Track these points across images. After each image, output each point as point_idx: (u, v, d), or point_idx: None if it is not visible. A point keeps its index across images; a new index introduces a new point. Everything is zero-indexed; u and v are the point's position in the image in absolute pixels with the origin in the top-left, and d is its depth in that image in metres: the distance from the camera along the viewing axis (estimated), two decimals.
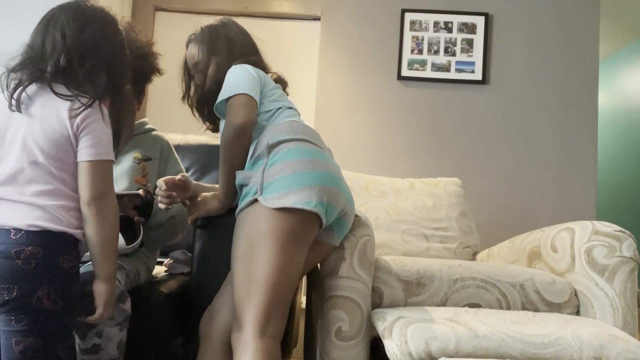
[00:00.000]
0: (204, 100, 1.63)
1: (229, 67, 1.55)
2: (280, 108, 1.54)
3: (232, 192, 1.48)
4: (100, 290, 1.23)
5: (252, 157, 1.43)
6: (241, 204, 1.37)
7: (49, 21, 1.26)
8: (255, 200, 1.32)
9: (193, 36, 1.69)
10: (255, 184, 1.34)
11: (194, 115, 1.71)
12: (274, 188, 1.30)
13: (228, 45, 1.63)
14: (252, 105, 1.45)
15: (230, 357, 1.33)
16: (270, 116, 1.52)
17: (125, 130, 1.37)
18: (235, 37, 1.66)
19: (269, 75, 1.65)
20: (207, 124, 1.69)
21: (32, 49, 1.25)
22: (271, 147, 1.38)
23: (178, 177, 1.55)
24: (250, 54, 1.66)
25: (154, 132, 1.82)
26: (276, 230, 1.28)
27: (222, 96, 1.47)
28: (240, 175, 1.41)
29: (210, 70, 1.61)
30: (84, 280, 1.25)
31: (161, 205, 1.53)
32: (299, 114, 1.60)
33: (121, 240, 1.51)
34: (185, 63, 1.71)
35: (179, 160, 1.86)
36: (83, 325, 1.30)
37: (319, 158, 1.37)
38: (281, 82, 1.70)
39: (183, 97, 1.71)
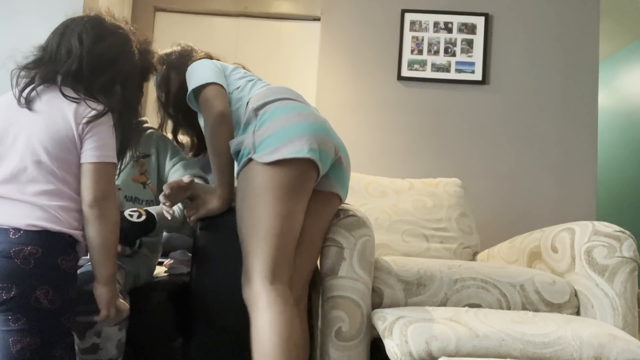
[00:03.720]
0: (175, 107, 1.73)
1: (185, 69, 1.64)
2: (251, 80, 1.62)
3: (229, 183, 1.51)
4: (100, 293, 1.24)
5: (241, 126, 1.49)
6: (238, 167, 1.43)
7: (68, 26, 1.28)
8: (250, 160, 1.38)
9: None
10: (248, 145, 1.40)
11: (176, 140, 1.84)
12: (265, 145, 1.36)
13: (180, 54, 1.80)
14: (223, 93, 1.53)
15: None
16: (242, 89, 1.59)
17: (131, 147, 1.41)
18: (183, 49, 1.83)
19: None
20: (190, 140, 1.83)
21: (47, 50, 1.27)
22: (257, 110, 1.44)
23: (185, 179, 1.54)
24: (196, 53, 1.80)
25: (148, 130, 1.80)
26: (273, 183, 1.34)
27: (190, 86, 1.54)
28: (233, 143, 1.46)
29: (172, 77, 1.73)
30: (83, 280, 1.25)
31: (165, 211, 1.52)
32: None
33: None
34: (157, 99, 1.82)
35: (179, 149, 1.84)
36: (82, 324, 1.31)
37: (303, 111, 1.44)
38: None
39: (159, 127, 1.80)
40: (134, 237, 1.56)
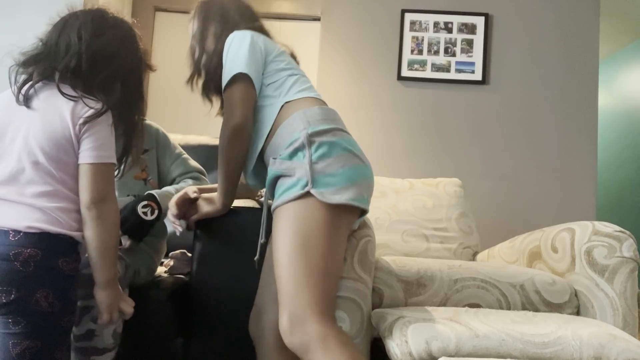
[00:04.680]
0: (207, 74, 1.57)
1: (226, 35, 1.49)
2: (292, 75, 1.47)
3: (232, 192, 1.47)
4: (100, 297, 1.22)
5: (289, 145, 1.33)
6: (285, 196, 1.28)
7: (67, 21, 1.24)
8: (307, 194, 1.26)
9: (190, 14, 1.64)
10: (302, 176, 1.27)
11: (204, 99, 1.66)
12: (327, 182, 1.27)
13: (222, 12, 1.57)
14: (251, 96, 1.41)
15: (286, 354, 1.32)
16: (280, 85, 1.45)
17: (134, 150, 1.37)
18: (228, 3, 1.59)
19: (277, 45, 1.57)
20: (217, 102, 1.65)
21: (46, 45, 1.23)
22: (312, 137, 1.30)
23: (191, 194, 1.52)
24: (248, 19, 1.58)
25: (146, 122, 1.77)
26: (332, 224, 1.27)
27: (224, 78, 1.43)
28: (281, 165, 1.32)
29: (208, 42, 1.56)
30: (81, 264, 1.23)
31: (175, 229, 1.52)
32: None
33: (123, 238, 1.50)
34: (190, 48, 1.64)
35: (177, 144, 1.84)
36: (78, 308, 1.28)
37: (358, 151, 1.36)
38: (292, 56, 1.61)
39: (188, 80, 1.63)
40: (144, 234, 1.57)
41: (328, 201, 1.25)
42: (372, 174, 1.38)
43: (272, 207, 1.32)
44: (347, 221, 1.31)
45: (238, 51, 1.42)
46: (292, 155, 1.31)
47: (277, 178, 1.33)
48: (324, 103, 1.43)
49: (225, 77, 1.41)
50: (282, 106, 1.40)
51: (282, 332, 1.21)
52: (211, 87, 1.58)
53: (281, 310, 1.22)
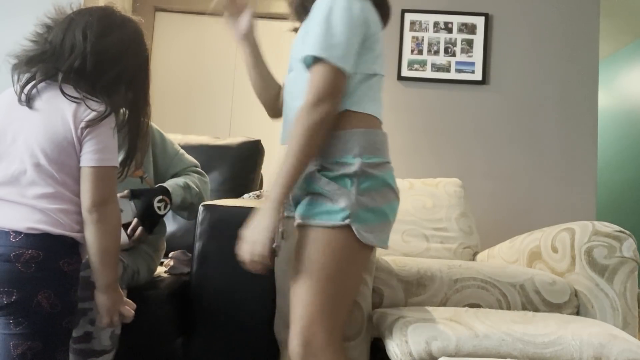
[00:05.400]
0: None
1: None
2: (373, 75, 1.30)
3: (289, 188, 1.22)
4: (100, 301, 1.21)
5: (338, 165, 1.23)
6: (322, 220, 1.22)
7: (73, 19, 1.22)
8: (346, 226, 1.20)
9: None
10: (346, 207, 1.20)
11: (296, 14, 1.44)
12: (366, 218, 1.22)
13: None
14: (343, 86, 1.23)
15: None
16: (358, 84, 1.28)
17: (139, 153, 1.35)
18: None
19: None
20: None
21: (51, 44, 1.20)
22: (364, 168, 1.22)
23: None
24: None
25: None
26: (361, 260, 1.27)
27: (313, 49, 1.21)
28: (326, 185, 1.22)
29: None
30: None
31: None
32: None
33: (123, 237, 1.50)
34: None
35: (172, 140, 1.84)
36: (75, 315, 1.26)
37: (395, 184, 1.31)
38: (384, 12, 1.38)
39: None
40: (155, 226, 1.59)
41: (362, 240, 1.22)
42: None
43: (300, 220, 1.25)
44: (368, 256, 1.31)
45: (342, 29, 1.22)
46: (340, 179, 1.23)
47: (316, 194, 1.24)
48: (381, 122, 1.32)
49: (321, 51, 1.21)
50: (346, 111, 1.26)
51: (292, 353, 1.21)
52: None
53: (295, 332, 1.21)
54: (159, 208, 1.54)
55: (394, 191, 1.29)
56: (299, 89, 1.27)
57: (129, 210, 1.52)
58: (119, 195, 1.50)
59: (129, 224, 1.53)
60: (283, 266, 1.41)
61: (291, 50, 1.40)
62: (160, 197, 1.56)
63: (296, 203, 1.30)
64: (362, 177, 1.22)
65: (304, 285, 1.22)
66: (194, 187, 1.71)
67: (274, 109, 1.54)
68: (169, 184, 1.64)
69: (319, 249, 1.22)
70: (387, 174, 1.28)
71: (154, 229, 1.59)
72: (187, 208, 1.72)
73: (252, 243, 1.17)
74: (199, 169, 1.84)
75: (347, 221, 1.20)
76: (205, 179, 1.81)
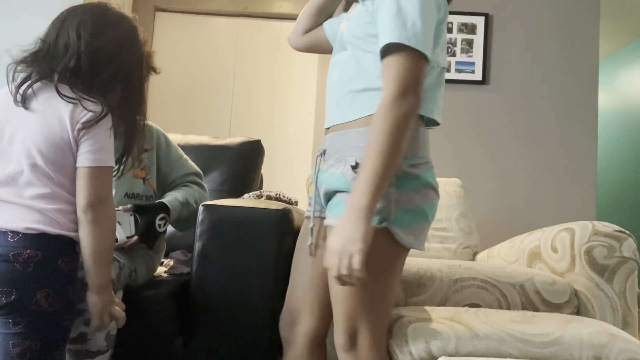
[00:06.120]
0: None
1: None
2: (434, 68, 1.21)
3: (378, 193, 1.09)
4: (92, 301, 1.21)
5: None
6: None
7: (67, 17, 1.21)
8: (384, 228, 1.14)
9: None
10: (382, 207, 1.12)
11: None
12: (404, 219, 1.15)
13: None
14: (424, 75, 1.14)
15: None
16: (427, 80, 1.19)
17: (135, 151, 1.34)
18: None
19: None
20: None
21: (45, 43, 1.20)
22: (406, 168, 1.15)
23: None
24: None
25: (147, 123, 1.79)
26: (399, 262, 1.24)
27: (391, 36, 1.10)
28: (368, 186, 1.07)
29: None
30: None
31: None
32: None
33: (121, 235, 1.50)
34: None
35: (176, 145, 1.84)
36: (74, 314, 1.26)
37: (436, 183, 1.23)
38: None
39: None
40: (155, 242, 1.60)
41: (401, 242, 1.16)
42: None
43: (329, 220, 1.19)
44: (405, 257, 1.27)
45: (423, 17, 1.11)
46: None
47: (341, 191, 1.18)
48: (422, 121, 1.23)
49: (405, 38, 1.09)
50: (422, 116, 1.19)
51: (338, 346, 1.21)
52: None
53: (340, 328, 1.20)
54: (159, 226, 1.56)
55: (434, 190, 1.22)
56: (353, 71, 1.21)
57: (127, 225, 1.52)
58: (120, 208, 1.51)
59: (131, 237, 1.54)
60: (301, 263, 1.39)
61: (346, 27, 1.28)
62: (162, 215, 1.57)
63: (326, 198, 1.24)
64: (402, 178, 1.14)
65: (344, 289, 1.16)
66: (192, 203, 1.72)
67: (305, 31, 1.51)
68: (169, 200, 1.64)
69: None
70: (428, 173, 1.21)
71: (154, 243, 1.60)
72: (181, 222, 1.73)
73: (348, 256, 1.05)
74: (200, 180, 1.84)
75: (384, 224, 1.13)
76: (205, 193, 1.82)
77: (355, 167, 1.15)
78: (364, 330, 1.19)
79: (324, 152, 1.28)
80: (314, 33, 1.52)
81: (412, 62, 1.09)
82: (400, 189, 1.14)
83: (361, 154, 1.13)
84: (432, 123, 1.27)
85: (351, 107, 1.22)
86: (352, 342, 1.20)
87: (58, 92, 1.16)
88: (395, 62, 1.10)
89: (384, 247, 1.15)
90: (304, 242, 1.37)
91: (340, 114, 1.25)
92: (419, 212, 1.18)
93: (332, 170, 1.23)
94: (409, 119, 1.09)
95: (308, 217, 1.36)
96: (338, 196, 1.20)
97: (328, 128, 1.30)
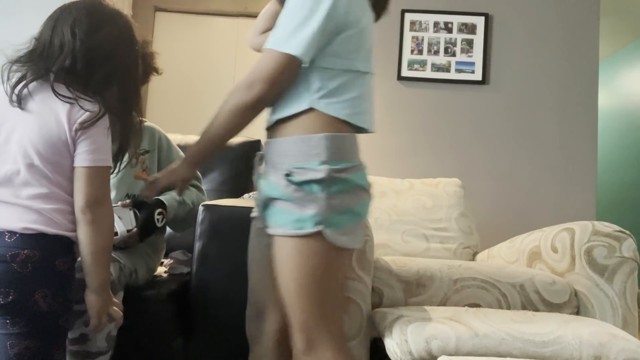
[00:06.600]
0: None
1: None
2: (347, 71, 1.23)
3: (203, 162, 1.33)
4: (91, 301, 1.20)
5: (302, 170, 1.19)
6: (291, 229, 1.19)
7: (60, 15, 1.20)
8: (317, 233, 1.18)
9: None
10: (316, 212, 1.17)
11: None
12: (338, 221, 1.20)
13: None
14: (289, 78, 1.19)
15: (282, 358, 1.34)
16: (330, 79, 1.21)
17: (131, 148, 1.33)
18: None
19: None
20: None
21: (40, 42, 1.19)
22: (332, 173, 1.18)
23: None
24: None
25: (145, 123, 1.75)
26: (341, 264, 1.25)
27: (271, 43, 1.18)
28: (294, 192, 1.18)
29: None
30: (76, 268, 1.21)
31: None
32: (373, 75, 1.30)
33: (122, 228, 1.50)
34: None
35: (177, 147, 1.85)
36: (71, 314, 1.26)
37: (367, 183, 1.27)
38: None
39: None
40: (149, 236, 1.60)
41: (337, 244, 1.19)
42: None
43: (272, 229, 1.24)
44: (347, 257, 1.29)
45: (308, 15, 1.16)
46: (305, 184, 1.18)
47: (283, 200, 1.21)
48: (352, 126, 1.25)
49: (274, 44, 1.18)
50: (310, 108, 1.21)
51: (297, 351, 1.23)
52: None
53: (296, 333, 1.22)
54: (158, 220, 1.57)
55: (365, 190, 1.26)
56: None
57: (127, 219, 1.52)
58: (119, 203, 1.51)
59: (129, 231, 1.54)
60: (254, 266, 1.40)
61: None
62: (160, 209, 1.58)
63: (263, 205, 1.27)
64: (331, 182, 1.18)
65: (293, 293, 1.21)
66: (189, 203, 1.73)
67: (262, 32, 1.54)
68: (166, 197, 1.65)
69: (294, 260, 1.20)
70: (357, 174, 1.24)
71: (145, 239, 1.60)
72: (177, 223, 1.73)
73: (181, 182, 1.30)
74: (199, 183, 1.85)
75: (319, 227, 1.17)
76: (203, 196, 1.83)
77: (288, 175, 1.19)
78: (321, 334, 1.21)
79: (262, 157, 1.32)
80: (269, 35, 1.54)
81: (269, 58, 1.17)
82: (330, 193, 1.18)
83: (294, 162, 1.20)
84: (364, 130, 1.30)
85: (277, 107, 1.26)
86: (311, 346, 1.21)
87: (54, 91, 1.15)
88: (260, 56, 1.21)
89: (321, 250, 1.19)
90: (255, 240, 1.38)
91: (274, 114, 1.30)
92: (352, 212, 1.22)
93: (269, 177, 1.26)
94: (251, 105, 1.19)
95: (255, 218, 1.38)
96: (276, 204, 1.22)
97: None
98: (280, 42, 1.17)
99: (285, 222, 1.20)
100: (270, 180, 1.24)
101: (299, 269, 1.21)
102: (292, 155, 1.21)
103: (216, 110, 1.23)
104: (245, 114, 1.21)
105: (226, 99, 1.22)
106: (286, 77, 1.19)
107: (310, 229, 1.17)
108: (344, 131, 1.23)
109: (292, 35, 1.16)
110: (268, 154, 1.29)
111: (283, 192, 1.20)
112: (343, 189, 1.20)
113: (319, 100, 1.20)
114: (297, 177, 1.19)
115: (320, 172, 1.17)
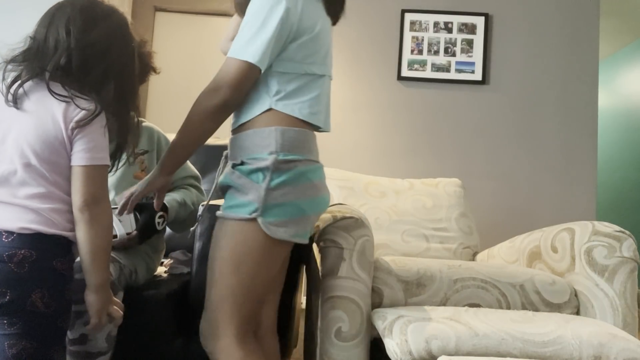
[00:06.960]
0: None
1: None
2: (304, 75, 1.29)
3: (177, 169, 1.36)
4: (91, 300, 1.20)
5: (252, 160, 1.25)
6: (232, 212, 1.25)
7: (55, 14, 1.19)
8: (252, 219, 1.23)
9: None
10: (254, 200, 1.22)
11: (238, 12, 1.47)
12: (276, 213, 1.23)
13: None
14: (250, 83, 1.26)
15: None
16: (283, 83, 1.28)
17: (129, 147, 1.33)
18: None
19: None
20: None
21: (35, 41, 1.18)
22: (279, 164, 1.23)
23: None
24: None
25: (144, 124, 1.77)
26: (269, 252, 1.26)
27: (232, 52, 1.25)
28: (238, 179, 1.25)
29: None
30: (74, 269, 1.21)
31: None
32: (331, 78, 1.39)
33: (121, 231, 1.50)
34: None
35: None
36: (71, 314, 1.26)
37: (319, 180, 1.31)
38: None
39: None
40: (148, 239, 1.61)
41: (270, 234, 1.23)
42: (328, 200, 1.35)
43: (218, 212, 1.30)
44: (282, 250, 1.30)
45: (262, 25, 1.23)
46: (252, 173, 1.24)
47: (231, 187, 1.28)
48: (308, 124, 1.31)
49: (234, 52, 1.24)
50: (270, 109, 1.27)
51: (202, 333, 1.29)
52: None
53: (204, 315, 1.29)
54: (158, 224, 1.57)
55: (314, 186, 1.28)
56: None
57: (127, 222, 1.52)
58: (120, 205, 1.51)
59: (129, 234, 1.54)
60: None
61: None
62: (161, 212, 1.59)
63: (223, 195, 1.34)
64: (276, 172, 1.23)
65: (215, 272, 1.28)
66: (190, 204, 1.73)
67: (232, 39, 1.54)
68: (168, 200, 1.65)
69: (226, 242, 1.26)
70: (308, 169, 1.28)
71: (144, 241, 1.61)
72: (178, 224, 1.73)
73: (148, 192, 1.37)
74: (198, 184, 1.85)
75: (254, 215, 1.22)
76: (203, 197, 1.83)
77: (236, 165, 1.27)
78: (224, 318, 1.25)
79: (227, 155, 1.38)
80: None
81: (230, 65, 1.23)
82: (273, 183, 1.23)
83: (248, 153, 1.26)
84: (319, 129, 1.36)
85: (240, 111, 1.32)
86: (214, 329, 1.26)
87: (50, 90, 1.15)
88: (223, 64, 1.26)
89: (252, 237, 1.24)
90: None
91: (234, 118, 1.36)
92: (293, 205, 1.25)
93: (225, 170, 1.33)
94: (218, 108, 1.24)
95: None
96: (227, 192, 1.30)
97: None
98: (239, 50, 1.23)
99: (228, 206, 1.27)
100: (225, 172, 1.31)
101: (226, 250, 1.26)
102: (246, 147, 1.27)
103: (185, 117, 1.27)
104: (213, 117, 1.25)
105: (193, 105, 1.26)
106: (248, 82, 1.25)
107: (245, 214, 1.23)
108: (297, 126, 1.28)
109: (249, 44, 1.22)
110: (230, 150, 1.34)
111: (229, 179, 1.27)
112: (288, 181, 1.24)
113: (277, 102, 1.27)
114: (246, 167, 1.25)
115: (267, 160, 1.23)
